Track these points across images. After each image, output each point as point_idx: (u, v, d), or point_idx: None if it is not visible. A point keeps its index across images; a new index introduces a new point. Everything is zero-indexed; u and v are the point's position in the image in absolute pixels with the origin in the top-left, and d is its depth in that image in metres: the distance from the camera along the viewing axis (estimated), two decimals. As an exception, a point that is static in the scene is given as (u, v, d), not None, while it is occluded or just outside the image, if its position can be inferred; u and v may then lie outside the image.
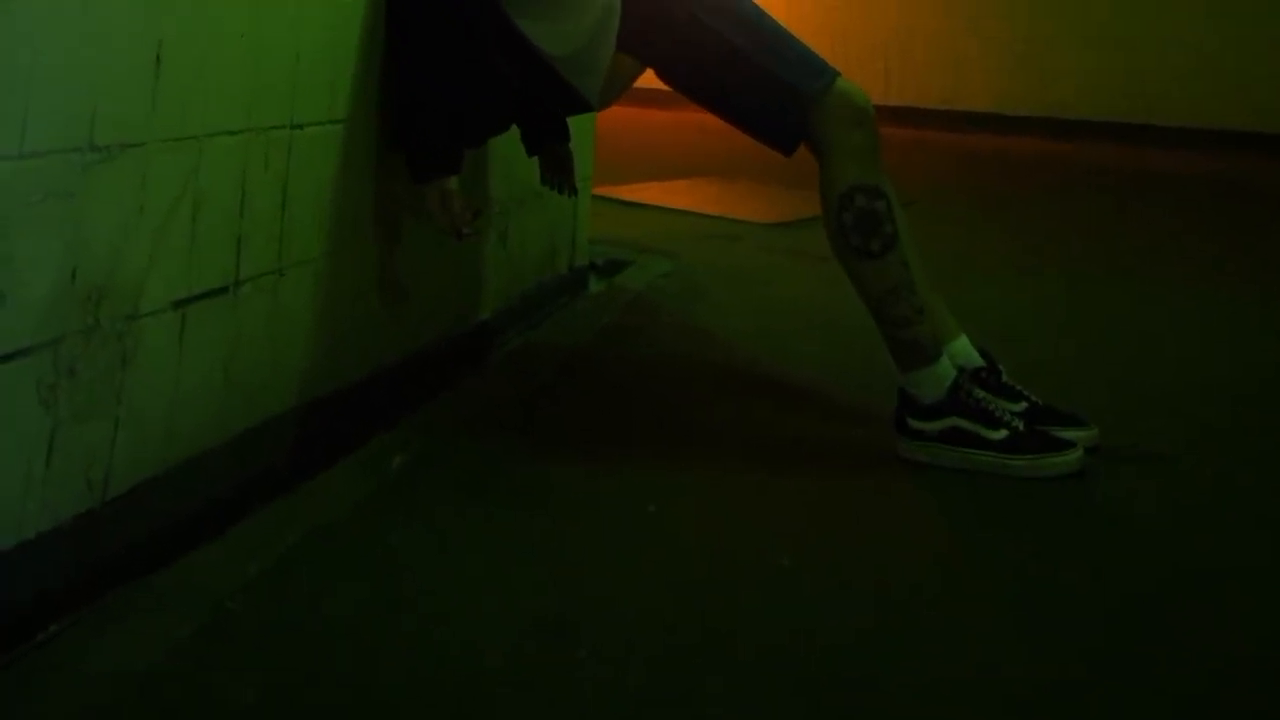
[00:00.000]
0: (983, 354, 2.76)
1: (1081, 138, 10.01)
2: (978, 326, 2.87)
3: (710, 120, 2.81)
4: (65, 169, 1.71)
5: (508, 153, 3.24)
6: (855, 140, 2.56)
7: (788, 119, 2.59)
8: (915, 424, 2.58)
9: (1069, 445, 2.56)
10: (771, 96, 2.59)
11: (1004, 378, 2.74)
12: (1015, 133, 10.33)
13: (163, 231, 1.93)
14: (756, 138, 2.69)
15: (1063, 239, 5.64)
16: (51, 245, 1.70)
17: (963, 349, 2.74)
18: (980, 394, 2.58)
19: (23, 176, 1.63)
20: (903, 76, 11.12)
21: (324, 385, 2.49)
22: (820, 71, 2.59)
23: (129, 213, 1.85)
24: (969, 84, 10.99)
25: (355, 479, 2.34)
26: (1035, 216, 6.35)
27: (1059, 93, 10.57)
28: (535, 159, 3.26)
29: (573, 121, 3.22)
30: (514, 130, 3.03)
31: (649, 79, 2.79)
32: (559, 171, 3.29)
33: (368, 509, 2.21)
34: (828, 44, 3.03)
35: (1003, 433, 2.53)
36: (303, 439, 2.41)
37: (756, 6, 2.68)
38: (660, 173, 6.74)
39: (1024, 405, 2.69)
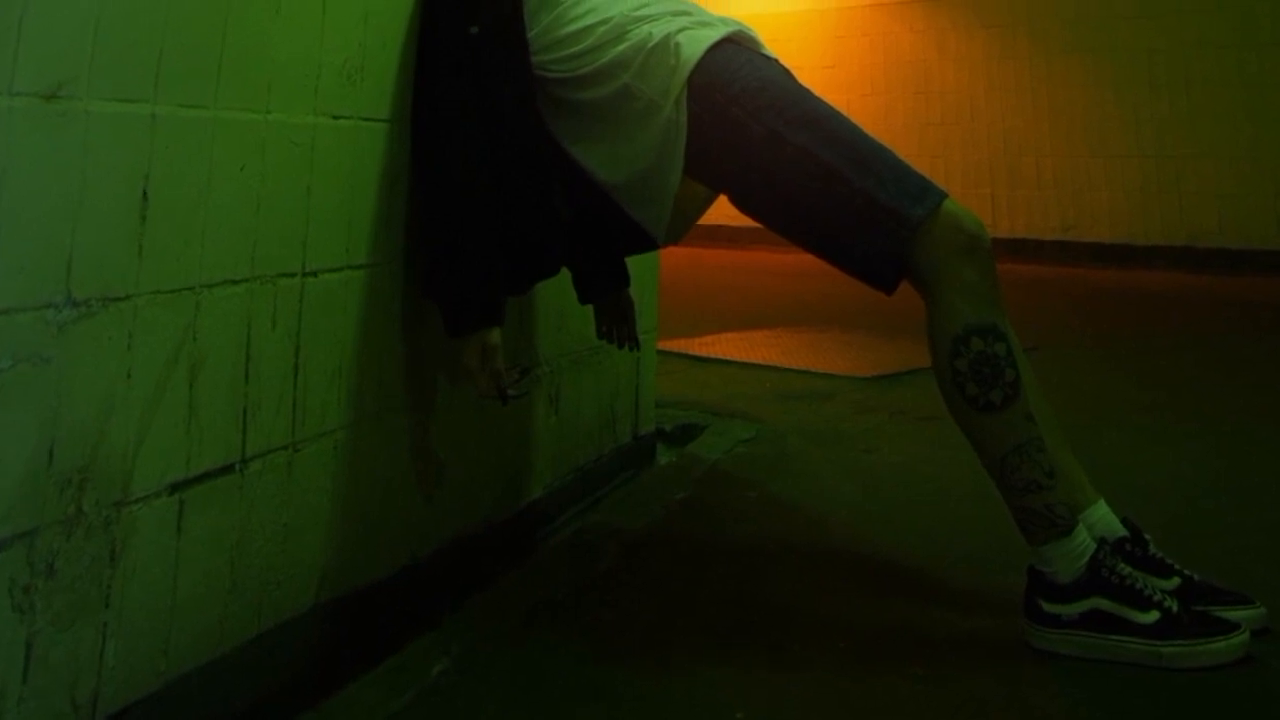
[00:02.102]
0: (1125, 523, 2.71)
1: (1224, 270, 10.00)
2: (1115, 490, 2.82)
3: (794, 258, 2.81)
4: (37, 329, 1.70)
5: (558, 301, 3.25)
6: (968, 273, 2.52)
7: (888, 249, 2.55)
8: (1050, 608, 2.52)
9: (1233, 627, 2.48)
10: (868, 223, 2.56)
11: (1151, 549, 2.68)
12: (1146, 265, 10.35)
13: (154, 401, 1.92)
14: (850, 273, 2.66)
15: (1206, 385, 5.61)
16: (24, 420, 1.69)
17: (1102, 517, 2.69)
18: (1125, 569, 2.52)
19: (-12, 339, 1.63)
20: (1013, 204, 11.18)
21: (348, 581, 2.47)
22: (925, 192, 2.56)
23: (114, 379, 1.84)
24: (1090, 211, 11.02)
25: (387, 691, 2.30)
26: (1173, 360, 6.33)
27: (1197, 219, 10.55)
28: (590, 308, 3.26)
29: (633, 263, 3.22)
30: (565, 275, 3.03)
31: (719, 211, 2.78)
32: (618, 321, 3.30)
33: (402, 727, 2.18)
34: (925, 167, 3.01)
35: (1154, 615, 2.46)
36: (324, 645, 2.39)
37: (847, 119, 2.67)
38: (736, 322, 6.80)
39: (1177, 581, 2.63)
